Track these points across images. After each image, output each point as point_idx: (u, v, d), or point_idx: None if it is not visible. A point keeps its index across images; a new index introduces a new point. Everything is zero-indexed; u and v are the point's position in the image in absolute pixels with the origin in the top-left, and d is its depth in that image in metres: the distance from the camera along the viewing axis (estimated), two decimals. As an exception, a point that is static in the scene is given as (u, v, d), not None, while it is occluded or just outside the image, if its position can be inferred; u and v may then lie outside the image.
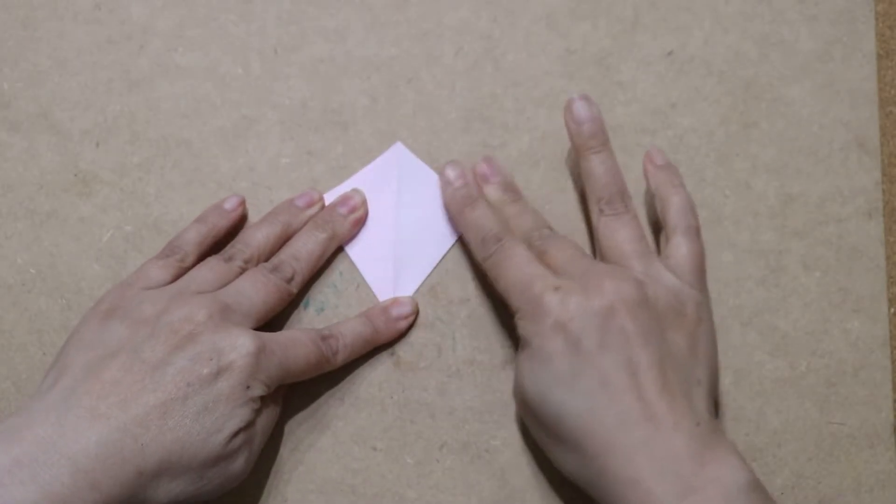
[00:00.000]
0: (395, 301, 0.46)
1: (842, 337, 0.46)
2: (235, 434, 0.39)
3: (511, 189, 0.46)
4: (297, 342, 0.42)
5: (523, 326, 0.40)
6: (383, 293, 0.46)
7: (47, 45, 0.48)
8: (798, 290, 0.46)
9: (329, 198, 0.47)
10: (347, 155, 0.47)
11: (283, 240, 0.45)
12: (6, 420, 0.37)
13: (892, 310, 0.46)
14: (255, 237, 0.45)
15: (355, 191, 0.47)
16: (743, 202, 0.47)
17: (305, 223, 0.46)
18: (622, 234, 0.42)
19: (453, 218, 0.45)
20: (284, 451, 0.45)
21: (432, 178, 0.47)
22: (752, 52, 0.48)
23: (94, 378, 0.38)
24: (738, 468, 0.36)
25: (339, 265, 0.47)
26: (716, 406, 0.40)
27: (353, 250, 0.46)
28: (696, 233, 0.43)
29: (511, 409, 0.45)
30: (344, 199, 0.46)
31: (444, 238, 0.47)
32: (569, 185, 0.47)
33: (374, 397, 0.45)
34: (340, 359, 0.44)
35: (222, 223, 0.46)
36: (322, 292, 0.46)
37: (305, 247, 0.45)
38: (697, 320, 0.40)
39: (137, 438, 0.37)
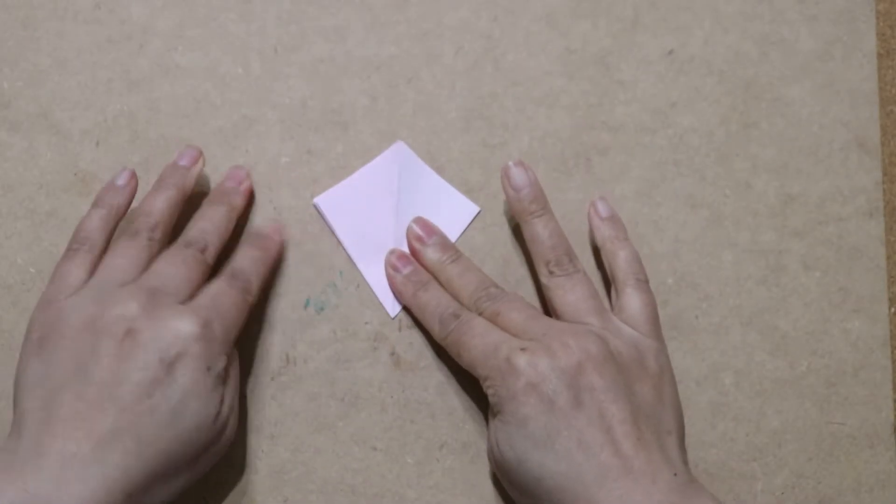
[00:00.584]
0: (229, 177, 0.46)
1: (842, 337, 0.46)
2: (217, 416, 0.39)
3: (448, 248, 0.46)
4: (219, 295, 0.41)
5: (494, 393, 0.40)
6: (383, 292, 0.46)
7: (47, 45, 0.48)
8: (798, 290, 0.46)
9: (327, 197, 0.47)
10: (347, 154, 0.47)
11: (181, 204, 0.44)
12: None
13: (893, 309, 0.46)
14: (154, 205, 0.43)
15: (238, 166, 0.46)
16: (743, 202, 0.47)
17: (194, 181, 0.45)
18: (576, 293, 0.42)
19: (407, 303, 0.46)
20: (284, 451, 0.45)
21: (433, 177, 0.47)
22: (753, 51, 0.48)
23: (54, 419, 0.36)
24: None
25: (339, 265, 0.47)
26: (685, 452, 0.41)
27: (353, 248, 0.46)
28: (645, 284, 0.44)
29: (511, 409, 0.45)
30: (230, 175, 0.46)
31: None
32: (569, 185, 0.47)
33: (374, 397, 0.45)
34: (255, 286, 0.43)
35: (120, 201, 0.44)
36: (323, 292, 0.46)
37: (211, 220, 0.44)
38: (660, 370, 0.41)
39: (117, 465, 0.36)
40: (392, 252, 0.46)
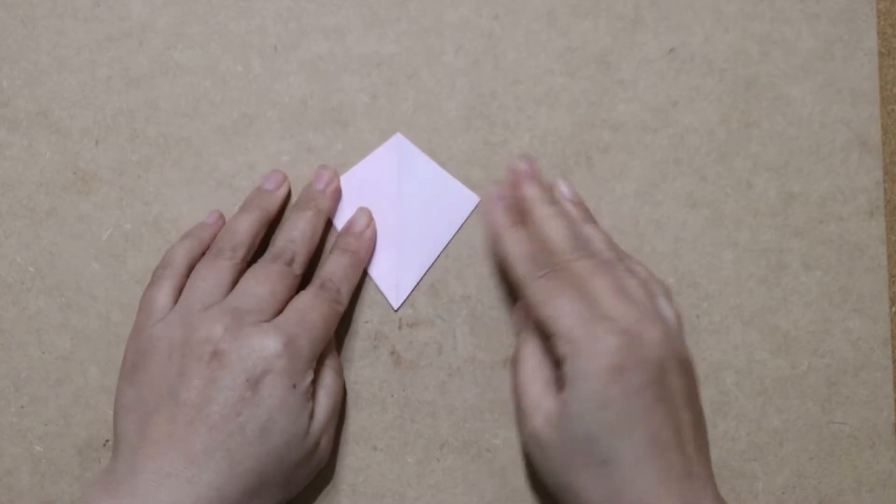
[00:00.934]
0: (352, 220, 0.46)
1: (843, 336, 0.46)
2: (307, 433, 0.39)
3: (547, 190, 0.45)
4: (305, 308, 0.41)
5: (573, 362, 0.38)
6: (386, 284, 0.46)
7: (47, 43, 0.48)
8: (799, 290, 0.46)
9: None
10: (347, 152, 0.47)
11: (265, 225, 0.45)
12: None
13: (894, 309, 0.46)
14: (238, 228, 0.44)
15: (324, 166, 0.47)
16: (744, 201, 0.47)
17: (280, 204, 0.46)
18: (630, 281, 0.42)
19: (497, 234, 0.42)
20: (284, 450, 0.45)
21: (432, 167, 0.47)
22: (754, 50, 0.48)
23: (148, 441, 0.38)
24: None
25: (339, 264, 0.46)
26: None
27: None
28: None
29: (512, 408, 0.45)
30: (318, 176, 0.46)
31: (446, 226, 0.47)
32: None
33: (374, 396, 0.45)
34: (345, 294, 0.43)
35: (206, 234, 0.45)
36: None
37: (297, 228, 0.44)
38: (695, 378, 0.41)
39: (210, 484, 0.37)
40: (495, 184, 0.44)
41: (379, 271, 0.46)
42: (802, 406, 0.46)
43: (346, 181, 0.47)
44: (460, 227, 0.47)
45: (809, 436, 0.45)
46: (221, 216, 0.46)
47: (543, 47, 0.48)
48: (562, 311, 0.39)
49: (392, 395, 0.45)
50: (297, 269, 0.43)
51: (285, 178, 0.47)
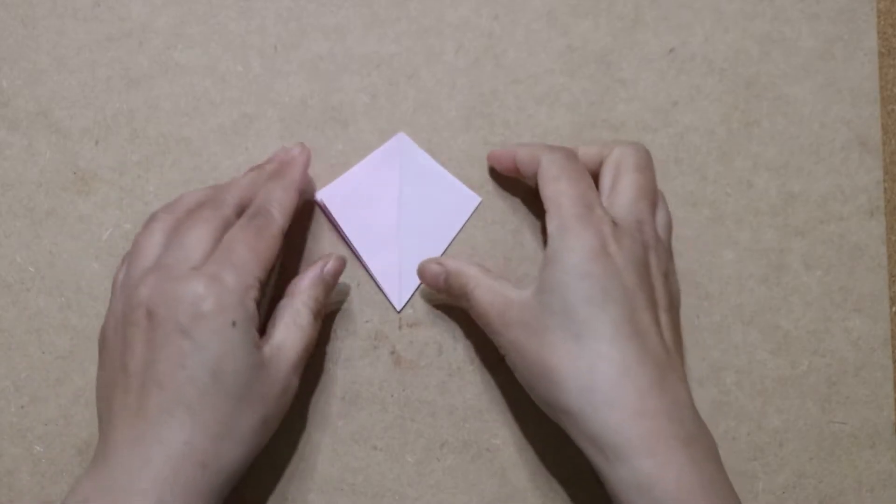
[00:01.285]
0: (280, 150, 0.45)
1: (843, 336, 0.46)
2: (264, 365, 0.39)
3: None
4: (231, 242, 0.40)
5: (560, 237, 0.39)
6: (389, 284, 0.46)
7: (46, 43, 0.48)
8: (799, 289, 0.46)
9: (330, 190, 0.47)
10: (347, 152, 0.47)
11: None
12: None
13: (894, 309, 0.46)
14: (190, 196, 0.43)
15: (285, 146, 0.46)
16: (744, 200, 0.47)
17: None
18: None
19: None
20: (285, 450, 0.45)
21: (434, 167, 0.47)
22: (754, 50, 0.48)
23: (113, 415, 0.38)
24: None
25: (339, 263, 0.46)
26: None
27: (358, 241, 0.46)
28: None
29: (512, 408, 0.45)
30: (283, 152, 0.45)
31: (448, 227, 0.47)
32: (570, 183, 0.47)
33: (374, 396, 0.45)
34: (277, 214, 0.42)
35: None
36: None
37: (236, 181, 0.43)
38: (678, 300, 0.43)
39: (177, 440, 0.37)
40: None
41: (381, 272, 0.46)
42: (802, 406, 0.46)
43: (348, 180, 0.47)
44: (462, 228, 0.47)
45: (809, 436, 0.45)
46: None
47: (543, 47, 0.48)
48: (568, 188, 0.41)
49: (392, 395, 0.45)
50: (226, 209, 0.42)
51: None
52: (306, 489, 0.44)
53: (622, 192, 0.41)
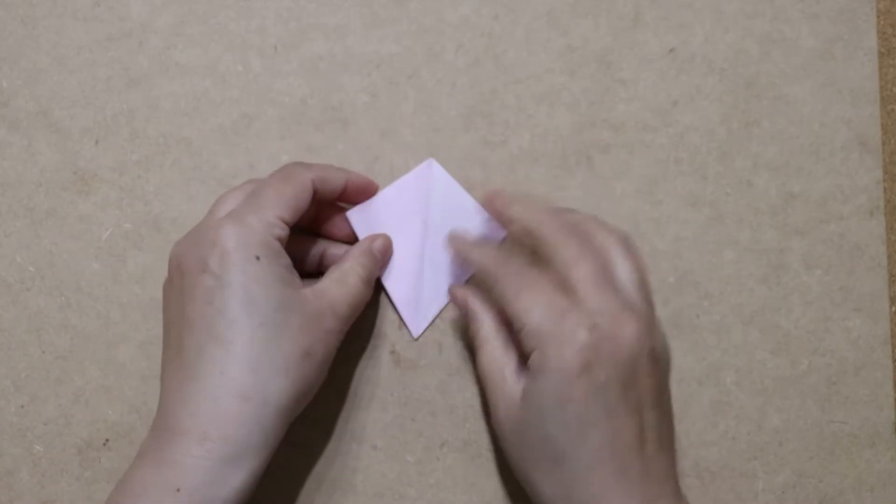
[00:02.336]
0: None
1: (843, 335, 0.46)
2: (293, 292, 0.39)
3: None
4: (256, 189, 0.41)
5: (540, 357, 0.37)
6: (407, 310, 0.46)
7: (46, 43, 0.48)
8: (799, 289, 0.46)
9: (358, 211, 0.46)
10: (347, 152, 0.47)
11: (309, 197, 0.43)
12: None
13: (894, 308, 0.46)
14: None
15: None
16: (744, 200, 0.47)
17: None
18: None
19: (465, 253, 0.43)
20: (284, 449, 0.45)
21: (463, 196, 0.46)
22: (754, 50, 0.48)
23: (164, 370, 0.39)
24: None
25: (339, 263, 0.46)
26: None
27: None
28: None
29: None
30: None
31: None
32: (570, 183, 0.47)
33: (374, 395, 0.45)
34: (306, 169, 0.42)
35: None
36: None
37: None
38: (670, 369, 0.41)
39: (213, 373, 0.37)
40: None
41: (401, 299, 0.46)
42: (803, 405, 0.46)
43: (377, 202, 0.46)
44: None
45: (809, 435, 0.45)
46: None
47: (543, 46, 0.48)
48: (532, 303, 0.38)
49: (392, 395, 0.45)
50: (309, 173, 0.42)
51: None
52: (306, 489, 0.44)
53: (622, 282, 0.39)
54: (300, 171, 0.42)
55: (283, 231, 0.40)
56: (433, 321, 0.46)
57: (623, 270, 0.40)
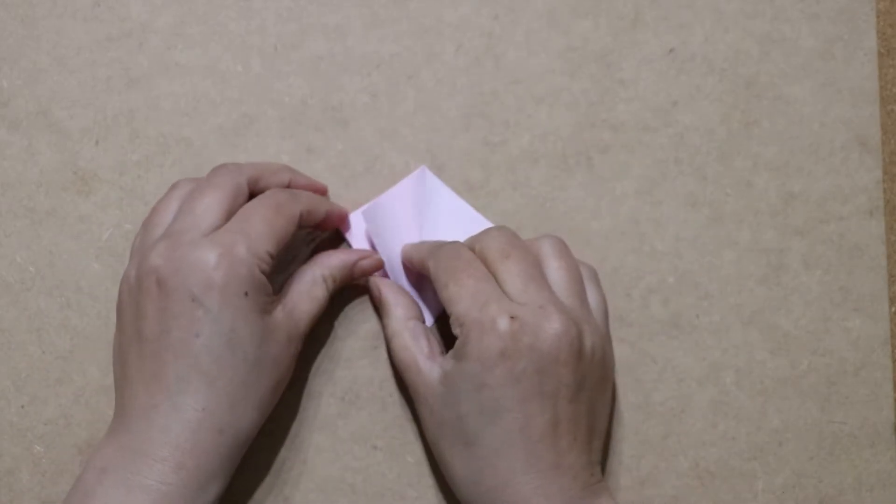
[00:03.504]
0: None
1: (843, 336, 0.46)
2: (275, 329, 0.39)
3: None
4: (246, 213, 0.40)
5: (463, 344, 0.39)
6: None
7: (46, 43, 0.48)
8: (799, 289, 0.46)
9: (350, 222, 0.47)
10: (347, 152, 0.47)
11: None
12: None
13: (894, 309, 0.46)
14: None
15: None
16: (744, 200, 0.47)
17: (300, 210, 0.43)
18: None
19: (408, 256, 0.44)
20: (284, 450, 0.45)
21: (457, 202, 0.47)
22: (754, 50, 0.48)
23: (129, 381, 0.39)
24: None
25: (339, 263, 0.46)
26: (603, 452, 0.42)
27: (375, 274, 0.45)
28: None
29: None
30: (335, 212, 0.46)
31: None
32: (570, 183, 0.47)
33: (374, 396, 0.45)
34: (296, 201, 0.42)
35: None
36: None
37: (301, 190, 0.44)
38: (610, 371, 0.41)
39: (194, 407, 0.37)
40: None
41: None
42: (802, 406, 0.46)
43: (369, 212, 0.46)
44: None
45: (809, 435, 0.45)
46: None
47: (543, 47, 0.48)
48: (459, 291, 0.39)
49: (392, 395, 0.45)
50: (240, 178, 0.41)
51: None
52: (306, 489, 0.44)
53: (552, 280, 0.40)
54: (290, 203, 0.41)
55: (269, 265, 0.40)
56: (431, 326, 0.46)
57: (553, 270, 0.41)
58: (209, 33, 0.48)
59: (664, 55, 0.48)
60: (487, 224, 0.46)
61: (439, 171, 0.47)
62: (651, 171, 0.47)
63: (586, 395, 0.39)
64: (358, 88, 0.48)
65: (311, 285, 0.42)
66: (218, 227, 0.40)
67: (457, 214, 0.46)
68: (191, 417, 0.37)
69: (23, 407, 0.46)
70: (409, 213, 0.46)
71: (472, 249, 0.42)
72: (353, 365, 0.46)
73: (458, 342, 0.39)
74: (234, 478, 0.44)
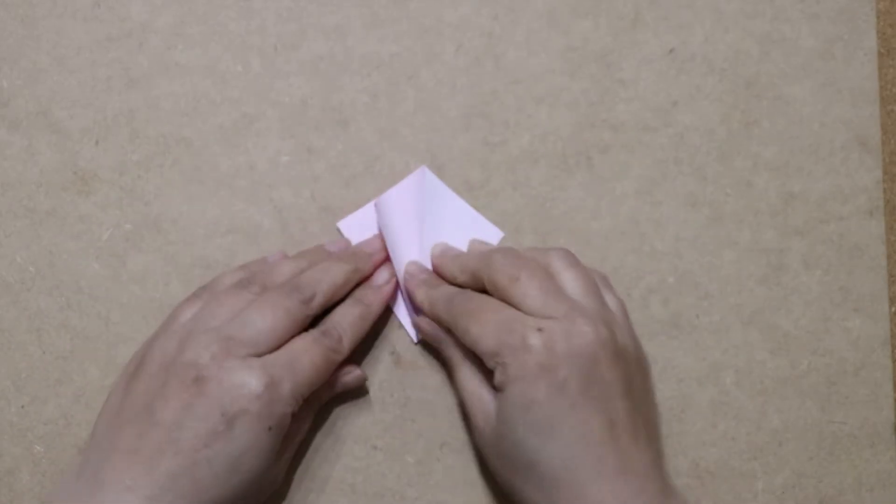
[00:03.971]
0: (375, 274, 0.45)
1: (843, 336, 0.46)
2: (269, 469, 0.39)
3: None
4: (298, 352, 0.40)
5: (503, 371, 0.38)
6: (405, 316, 0.46)
7: (46, 43, 0.48)
8: (799, 289, 0.46)
9: (348, 222, 0.47)
10: (347, 153, 0.47)
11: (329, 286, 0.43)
12: None
13: (893, 309, 0.46)
14: (281, 269, 0.43)
15: (377, 236, 0.46)
16: (744, 200, 0.47)
17: (344, 280, 0.44)
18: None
19: (420, 302, 0.44)
20: (285, 449, 0.45)
21: (457, 201, 0.47)
22: (754, 50, 0.48)
23: (116, 451, 0.38)
24: None
25: (339, 264, 0.46)
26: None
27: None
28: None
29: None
30: (368, 242, 0.46)
31: None
32: (570, 183, 0.47)
33: (374, 396, 0.45)
34: (347, 344, 0.42)
35: (258, 269, 0.44)
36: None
37: (329, 272, 0.43)
38: (647, 366, 0.42)
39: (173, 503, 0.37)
40: (412, 263, 0.45)
41: (399, 303, 0.46)
42: (802, 406, 0.46)
43: (369, 211, 0.46)
44: None
45: (809, 435, 0.45)
46: (285, 256, 0.45)
47: (543, 47, 0.48)
48: (482, 329, 0.39)
49: (392, 395, 0.45)
50: (311, 310, 0.42)
51: (349, 244, 0.46)
52: (307, 489, 0.44)
53: (569, 290, 0.40)
54: (338, 353, 0.42)
55: (297, 407, 0.40)
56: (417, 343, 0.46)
57: (568, 280, 0.41)
58: (209, 33, 0.48)
59: (664, 55, 0.48)
60: (487, 224, 0.46)
61: (439, 171, 0.47)
62: (651, 171, 0.47)
63: (633, 392, 0.39)
64: (358, 88, 0.48)
65: (300, 435, 0.43)
66: (271, 352, 0.40)
67: (457, 214, 0.47)
68: None
69: (23, 407, 0.46)
70: (409, 214, 0.46)
71: (481, 280, 0.41)
72: (353, 364, 0.46)
73: (496, 374, 0.39)
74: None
